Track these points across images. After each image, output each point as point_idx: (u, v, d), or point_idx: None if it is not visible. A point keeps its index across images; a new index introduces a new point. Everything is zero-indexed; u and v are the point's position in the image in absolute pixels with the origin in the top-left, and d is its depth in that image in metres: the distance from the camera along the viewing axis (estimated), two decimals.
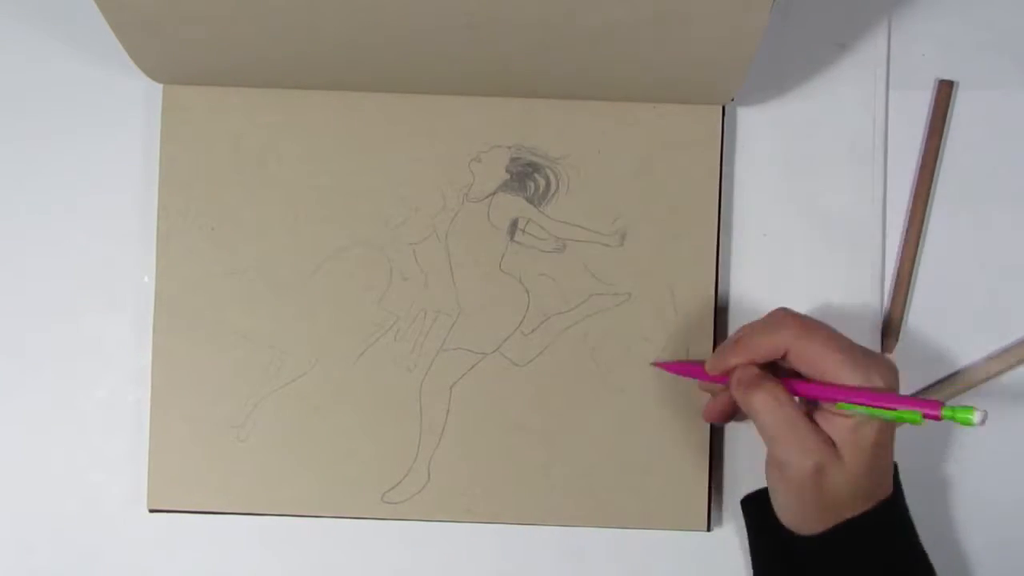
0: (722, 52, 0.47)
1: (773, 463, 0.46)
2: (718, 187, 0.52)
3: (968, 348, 0.53)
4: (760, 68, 0.51)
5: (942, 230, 0.53)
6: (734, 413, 0.49)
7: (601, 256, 0.52)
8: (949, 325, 0.53)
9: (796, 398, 0.45)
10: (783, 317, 0.46)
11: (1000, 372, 0.53)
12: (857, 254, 0.53)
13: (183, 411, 0.52)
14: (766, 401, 0.45)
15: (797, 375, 0.46)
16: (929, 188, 0.53)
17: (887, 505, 0.46)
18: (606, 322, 0.52)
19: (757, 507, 0.49)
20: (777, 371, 0.46)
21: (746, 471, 0.53)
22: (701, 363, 0.48)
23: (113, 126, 0.54)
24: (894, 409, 0.42)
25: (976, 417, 0.40)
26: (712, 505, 0.52)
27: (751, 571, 0.49)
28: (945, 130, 0.53)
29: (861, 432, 0.44)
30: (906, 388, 0.49)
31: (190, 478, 0.52)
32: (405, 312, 0.52)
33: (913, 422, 0.42)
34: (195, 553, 0.53)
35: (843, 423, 0.44)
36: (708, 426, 0.52)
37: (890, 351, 0.53)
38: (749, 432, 0.53)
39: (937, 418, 0.41)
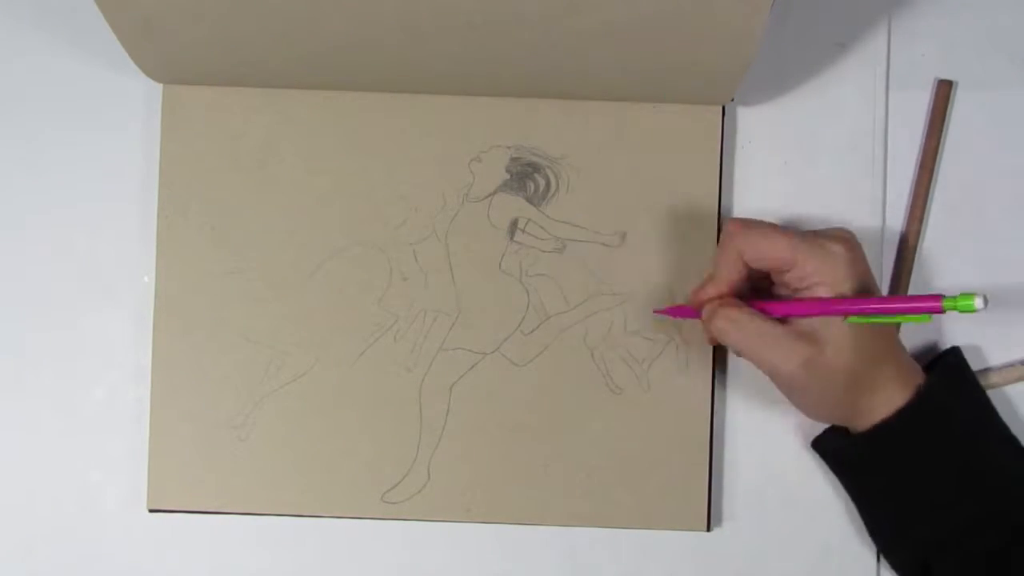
0: (722, 52, 0.47)
1: (769, 376, 0.47)
2: (718, 187, 0.52)
3: (967, 348, 0.53)
4: (760, 68, 0.51)
5: (941, 230, 0.53)
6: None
7: (601, 256, 0.52)
8: (947, 324, 0.53)
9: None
10: (727, 226, 0.48)
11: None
12: None
13: (183, 411, 0.52)
14: (722, 324, 0.47)
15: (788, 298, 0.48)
16: (928, 188, 0.53)
17: (924, 394, 0.47)
18: (606, 322, 0.52)
19: (821, 442, 0.51)
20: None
21: (746, 471, 0.53)
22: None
23: (113, 126, 0.54)
24: (896, 314, 0.43)
25: (977, 302, 0.40)
26: (712, 505, 0.52)
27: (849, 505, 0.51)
28: (944, 130, 0.53)
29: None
30: None
31: (190, 478, 0.52)
32: (405, 312, 0.52)
33: (920, 321, 0.43)
34: (195, 553, 0.53)
35: None
36: (708, 426, 0.52)
37: None
38: (749, 432, 0.53)
39: (939, 311, 0.42)
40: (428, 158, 0.53)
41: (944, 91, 0.53)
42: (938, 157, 0.53)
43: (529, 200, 0.53)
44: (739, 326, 0.46)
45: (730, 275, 0.48)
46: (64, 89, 0.54)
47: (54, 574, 0.53)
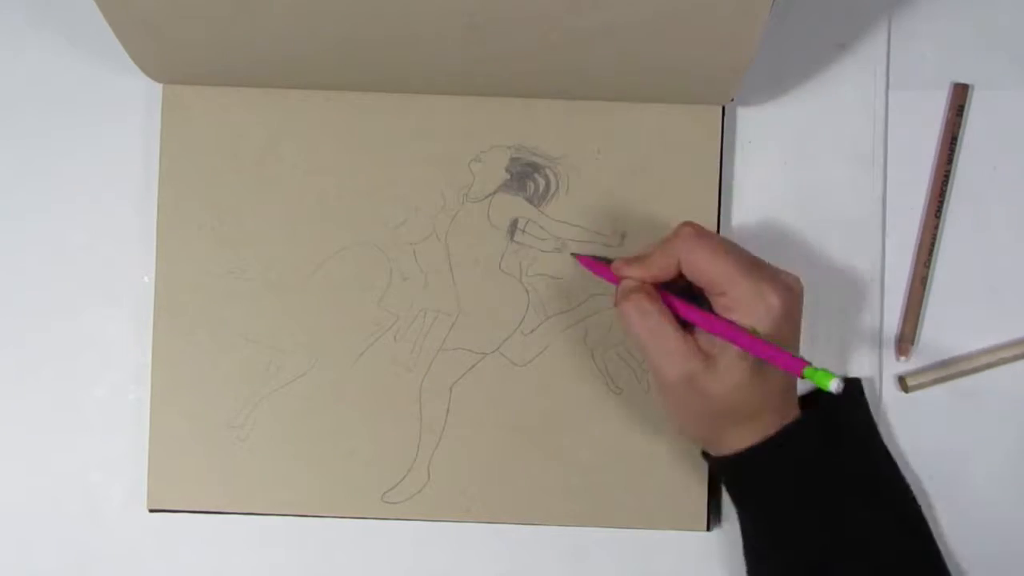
0: (722, 52, 0.47)
1: (651, 374, 0.47)
2: (718, 187, 0.52)
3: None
4: (760, 68, 0.51)
5: (955, 233, 0.53)
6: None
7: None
8: (964, 329, 0.53)
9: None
10: (680, 228, 0.46)
11: (995, 364, 0.52)
12: (857, 255, 0.53)
13: (183, 411, 0.52)
14: (630, 311, 0.46)
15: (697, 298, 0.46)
16: (944, 191, 0.53)
17: (795, 426, 0.46)
18: (606, 322, 0.52)
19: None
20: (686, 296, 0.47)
21: None
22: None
23: (113, 126, 0.54)
24: (762, 357, 0.43)
25: (832, 385, 0.41)
26: (712, 505, 0.52)
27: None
28: (961, 133, 0.53)
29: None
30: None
31: (190, 478, 0.52)
32: (405, 312, 0.52)
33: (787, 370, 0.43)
34: (195, 553, 0.53)
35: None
36: None
37: (906, 355, 0.53)
38: None
39: (798, 375, 0.42)
40: (428, 158, 0.53)
41: (960, 94, 0.53)
42: (953, 160, 0.53)
43: (529, 200, 0.53)
44: (645, 318, 0.45)
45: (660, 271, 0.47)
46: (64, 89, 0.54)
47: (54, 574, 0.53)
